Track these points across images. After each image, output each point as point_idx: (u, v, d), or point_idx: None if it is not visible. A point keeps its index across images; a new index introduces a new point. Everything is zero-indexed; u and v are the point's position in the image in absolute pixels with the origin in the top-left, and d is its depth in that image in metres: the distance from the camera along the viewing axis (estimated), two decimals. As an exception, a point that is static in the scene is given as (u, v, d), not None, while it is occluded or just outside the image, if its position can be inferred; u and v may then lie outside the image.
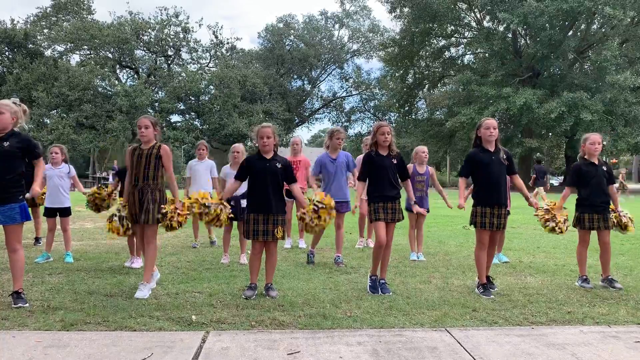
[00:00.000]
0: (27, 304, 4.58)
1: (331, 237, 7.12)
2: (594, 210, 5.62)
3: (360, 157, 8.34)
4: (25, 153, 4.61)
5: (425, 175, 7.39)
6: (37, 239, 8.47)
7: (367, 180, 5.41)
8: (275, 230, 5.04)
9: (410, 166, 7.35)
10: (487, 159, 5.32)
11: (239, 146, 7.34)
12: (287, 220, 8.20)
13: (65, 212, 7.15)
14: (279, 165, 5.10)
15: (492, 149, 5.37)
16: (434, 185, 7.65)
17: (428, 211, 7.60)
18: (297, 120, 55.36)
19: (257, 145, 5.20)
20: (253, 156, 5.21)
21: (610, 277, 5.67)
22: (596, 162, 5.69)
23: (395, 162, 5.35)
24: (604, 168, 5.69)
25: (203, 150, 8.41)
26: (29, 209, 4.92)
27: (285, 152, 8.11)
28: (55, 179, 7.04)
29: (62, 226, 7.13)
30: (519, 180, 5.58)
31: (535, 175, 16.85)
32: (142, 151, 5.15)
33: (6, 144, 4.47)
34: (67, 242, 7.08)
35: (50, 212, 7.09)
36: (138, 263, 6.46)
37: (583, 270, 5.75)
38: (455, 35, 43.64)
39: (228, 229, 7.10)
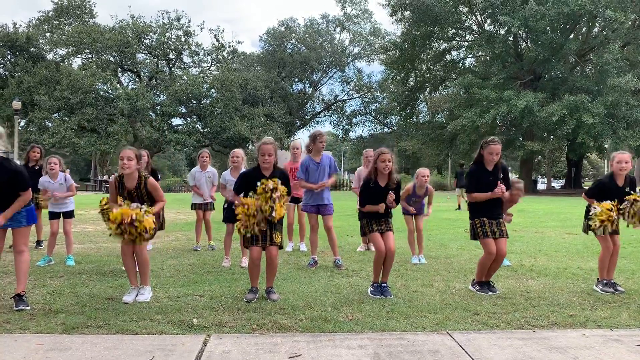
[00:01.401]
0: (29, 307, 4.59)
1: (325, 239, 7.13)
2: None
3: (359, 169, 8.34)
4: (12, 185, 4.48)
5: (422, 197, 7.41)
6: (38, 242, 8.48)
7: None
8: (273, 235, 5.03)
9: (410, 186, 7.36)
10: (487, 179, 5.39)
11: (238, 151, 7.36)
12: (289, 224, 8.25)
13: (68, 214, 7.17)
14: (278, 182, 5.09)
15: (491, 169, 5.45)
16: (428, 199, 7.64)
17: (422, 212, 7.63)
18: (298, 124, 55.39)
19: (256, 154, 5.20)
20: (252, 172, 5.17)
21: (613, 280, 5.65)
22: (621, 184, 5.55)
23: (392, 190, 5.38)
24: (627, 189, 5.54)
25: (206, 158, 8.46)
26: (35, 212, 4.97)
27: (286, 155, 8.14)
28: (55, 192, 7.03)
29: (65, 228, 7.13)
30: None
31: (456, 179, 19.63)
32: (128, 190, 4.98)
33: None
34: (69, 245, 7.10)
35: (54, 215, 7.13)
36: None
37: (603, 274, 5.65)
38: (456, 38, 43.65)
39: (229, 232, 7.12)
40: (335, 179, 7.32)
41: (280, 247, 5.16)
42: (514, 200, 6.61)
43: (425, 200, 7.50)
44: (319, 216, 7.06)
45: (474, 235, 5.47)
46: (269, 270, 5.17)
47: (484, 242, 5.38)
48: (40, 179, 7.12)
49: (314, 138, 7.06)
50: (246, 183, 5.12)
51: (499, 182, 5.38)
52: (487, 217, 5.42)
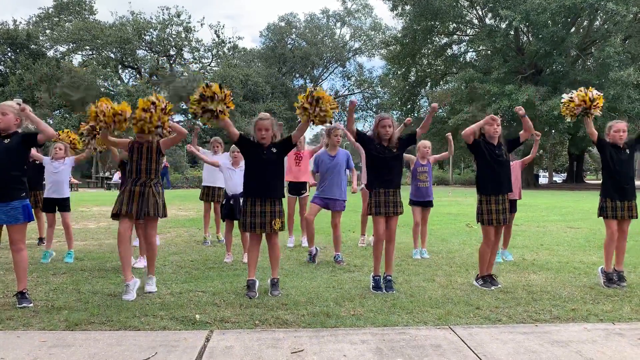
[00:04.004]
0: (32, 304, 4.60)
1: (331, 235, 7.14)
2: (618, 197, 5.51)
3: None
4: (26, 141, 4.59)
5: (427, 165, 7.42)
6: (40, 239, 8.47)
7: (368, 168, 5.45)
8: (273, 222, 5.02)
9: (413, 158, 7.40)
10: (493, 152, 5.41)
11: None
12: (289, 216, 8.25)
13: (64, 204, 7.00)
14: (274, 150, 5.09)
15: (495, 143, 5.46)
16: (442, 155, 7.73)
17: (432, 205, 7.62)
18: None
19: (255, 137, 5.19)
20: (251, 139, 5.18)
21: (622, 272, 5.61)
22: (621, 147, 5.57)
23: (395, 150, 5.34)
24: (627, 151, 5.57)
25: (218, 147, 8.63)
26: (32, 210, 4.94)
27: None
28: (56, 173, 7.00)
29: (64, 222, 7.02)
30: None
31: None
32: (141, 145, 5.08)
33: (7, 140, 4.52)
34: (69, 240, 7.00)
35: (50, 205, 6.99)
36: (141, 263, 6.46)
37: (608, 265, 5.62)
38: (457, 32, 43.53)
39: (229, 228, 7.13)
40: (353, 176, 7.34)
41: (282, 229, 5.13)
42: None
43: (433, 193, 7.53)
44: (328, 214, 7.05)
45: (480, 219, 5.44)
46: (272, 258, 5.18)
47: (484, 229, 5.42)
48: (44, 158, 7.11)
49: (328, 132, 7.10)
50: (243, 144, 5.13)
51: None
52: (494, 195, 5.35)
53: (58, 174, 6.99)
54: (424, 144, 7.53)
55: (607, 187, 5.59)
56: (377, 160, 5.32)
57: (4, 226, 4.75)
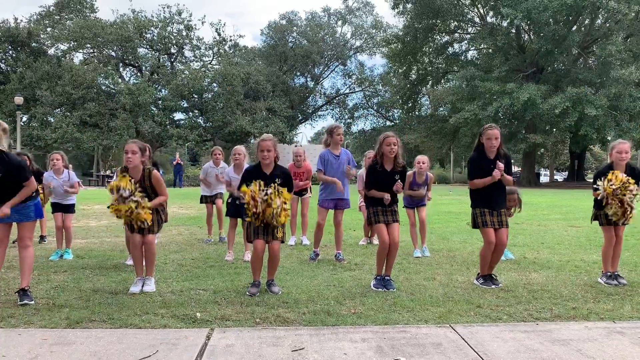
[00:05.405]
0: (33, 302, 4.61)
1: (333, 233, 7.15)
2: None
3: (362, 171, 8.36)
4: (12, 178, 4.51)
5: (423, 184, 7.43)
6: (42, 237, 8.51)
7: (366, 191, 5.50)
8: (275, 231, 5.05)
9: (410, 173, 7.34)
10: (487, 167, 5.35)
11: (239, 148, 7.40)
12: (292, 216, 8.27)
13: (68, 208, 7.28)
14: (278, 181, 5.10)
15: (492, 157, 5.42)
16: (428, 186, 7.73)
17: (424, 204, 7.64)
18: (300, 118, 55.34)
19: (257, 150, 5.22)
20: (253, 169, 5.21)
21: (616, 272, 5.65)
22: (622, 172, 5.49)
23: (398, 177, 5.39)
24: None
25: (218, 155, 8.58)
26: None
27: (288, 149, 8.17)
28: (59, 188, 7.16)
29: (65, 224, 7.20)
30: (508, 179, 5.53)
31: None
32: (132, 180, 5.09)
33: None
34: (68, 241, 7.19)
35: (57, 208, 7.26)
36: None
37: (607, 266, 5.67)
38: (458, 31, 43.49)
39: (232, 225, 7.14)
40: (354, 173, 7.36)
41: (282, 242, 5.19)
42: (508, 207, 6.57)
43: (426, 189, 7.54)
44: (329, 212, 7.06)
45: (474, 224, 5.47)
46: (270, 264, 5.19)
47: (484, 232, 5.40)
48: (45, 174, 7.31)
49: (330, 131, 7.09)
50: (249, 181, 5.13)
51: (497, 164, 5.29)
52: (487, 208, 5.39)
53: (60, 190, 7.18)
54: (421, 159, 7.41)
55: (600, 203, 5.59)
56: (379, 184, 5.39)
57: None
